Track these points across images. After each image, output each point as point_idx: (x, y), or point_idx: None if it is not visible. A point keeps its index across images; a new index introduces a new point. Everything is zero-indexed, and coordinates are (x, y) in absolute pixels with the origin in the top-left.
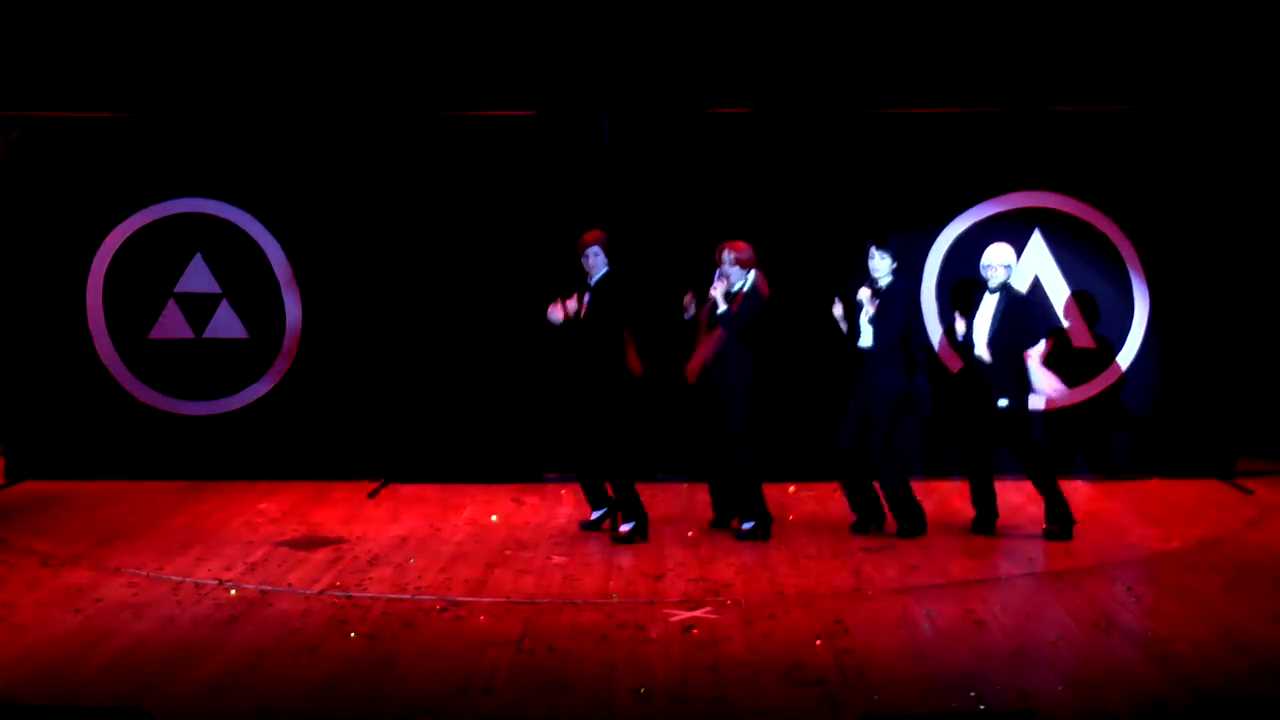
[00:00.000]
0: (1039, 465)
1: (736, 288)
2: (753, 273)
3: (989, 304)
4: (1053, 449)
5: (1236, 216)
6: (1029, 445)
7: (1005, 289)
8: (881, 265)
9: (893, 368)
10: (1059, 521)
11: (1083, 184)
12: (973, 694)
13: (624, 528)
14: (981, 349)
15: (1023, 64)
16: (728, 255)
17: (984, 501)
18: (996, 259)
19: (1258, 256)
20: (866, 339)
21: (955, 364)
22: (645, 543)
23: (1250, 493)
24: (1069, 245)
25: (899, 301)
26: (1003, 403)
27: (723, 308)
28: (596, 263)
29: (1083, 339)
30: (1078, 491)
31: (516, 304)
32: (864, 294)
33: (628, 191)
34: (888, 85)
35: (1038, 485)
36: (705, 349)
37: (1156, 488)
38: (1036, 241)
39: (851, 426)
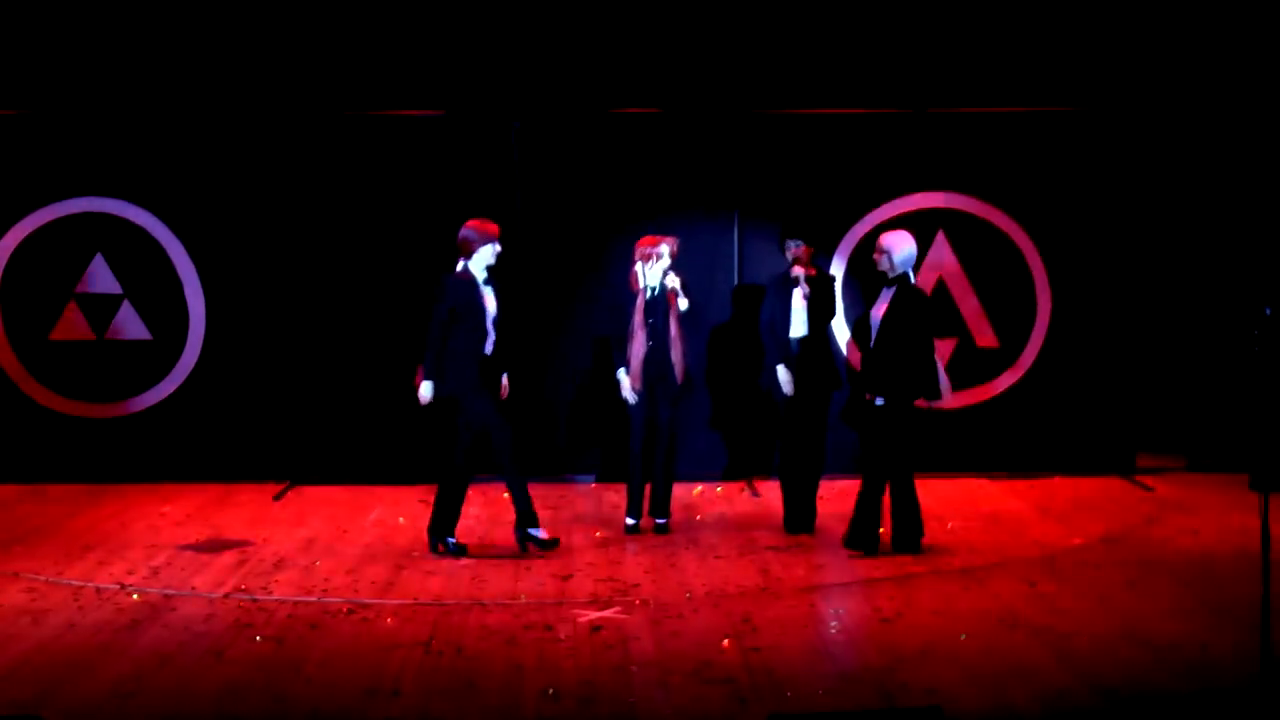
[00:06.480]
0: (904, 471)
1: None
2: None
3: (884, 297)
4: (957, 448)
5: (1137, 219)
6: (899, 447)
7: (901, 281)
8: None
9: (828, 358)
10: (913, 534)
11: (986, 186)
12: (880, 691)
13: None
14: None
15: (928, 66)
16: (671, 248)
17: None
18: (885, 245)
19: (1157, 258)
20: (800, 328)
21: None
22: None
23: (1150, 489)
24: (972, 246)
25: (828, 289)
26: (879, 401)
27: (685, 302)
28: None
29: (986, 339)
30: (982, 490)
31: (425, 304)
32: (799, 285)
33: (536, 191)
34: (794, 86)
35: (895, 491)
36: (679, 350)
37: (1059, 485)
38: (940, 243)
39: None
